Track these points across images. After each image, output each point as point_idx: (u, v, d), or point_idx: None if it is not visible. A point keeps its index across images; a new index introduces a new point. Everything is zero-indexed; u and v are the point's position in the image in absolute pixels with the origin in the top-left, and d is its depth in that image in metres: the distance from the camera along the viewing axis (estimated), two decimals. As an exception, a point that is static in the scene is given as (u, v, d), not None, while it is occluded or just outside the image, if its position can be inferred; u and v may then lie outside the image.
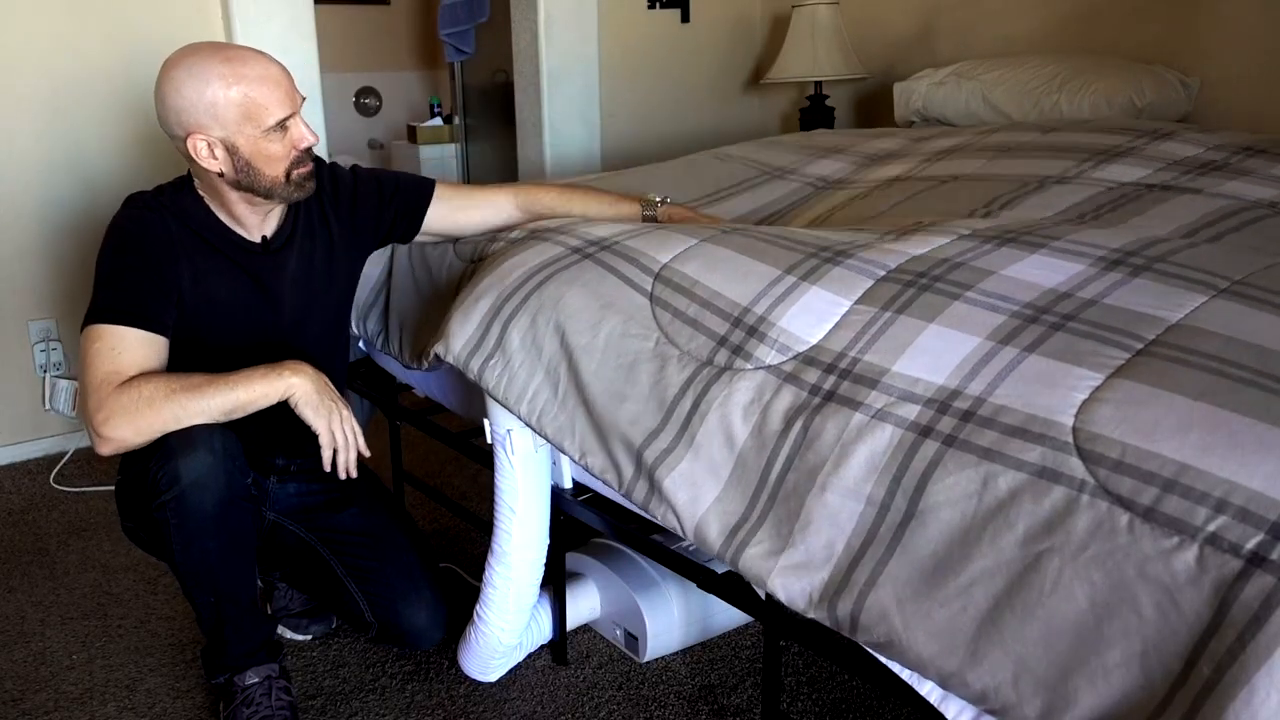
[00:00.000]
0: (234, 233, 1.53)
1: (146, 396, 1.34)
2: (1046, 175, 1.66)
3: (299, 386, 1.41)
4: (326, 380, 1.45)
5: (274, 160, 1.43)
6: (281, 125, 1.43)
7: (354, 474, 1.47)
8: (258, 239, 1.55)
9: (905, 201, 1.68)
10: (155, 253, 1.45)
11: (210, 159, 1.42)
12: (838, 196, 1.82)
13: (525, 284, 1.41)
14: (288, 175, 1.46)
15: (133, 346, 1.39)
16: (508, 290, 1.41)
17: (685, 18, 3.62)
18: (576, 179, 2.09)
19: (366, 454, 1.49)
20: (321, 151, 2.27)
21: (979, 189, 1.67)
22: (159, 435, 1.36)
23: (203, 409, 1.36)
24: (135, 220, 1.47)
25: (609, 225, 1.51)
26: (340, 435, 1.44)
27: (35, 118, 2.54)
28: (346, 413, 1.46)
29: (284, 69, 1.45)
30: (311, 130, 1.47)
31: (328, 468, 1.45)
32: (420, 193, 1.69)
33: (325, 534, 1.66)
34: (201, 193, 1.51)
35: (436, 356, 1.44)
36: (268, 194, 1.47)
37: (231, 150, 1.42)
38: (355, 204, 1.64)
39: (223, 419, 1.38)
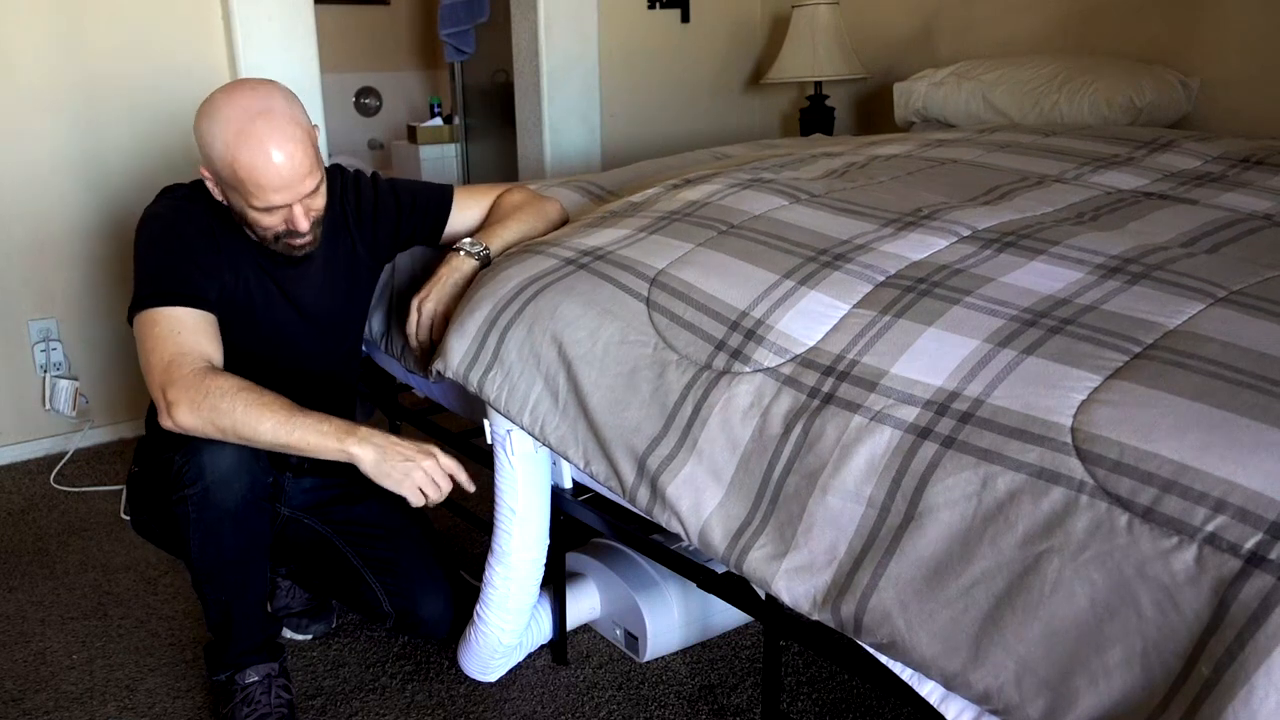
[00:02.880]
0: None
1: (217, 391, 1.33)
2: (1046, 174, 1.66)
3: (363, 459, 1.37)
4: (392, 443, 1.39)
5: (264, 227, 1.44)
6: (270, 209, 1.41)
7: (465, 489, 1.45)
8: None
9: (905, 178, 1.67)
10: (197, 240, 1.47)
11: (214, 189, 1.46)
12: (836, 162, 1.82)
13: (520, 294, 1.41)
14: (275, 240, 1.46)
15: (189, 326, 1.40)
16: (502, 301, 1.42)
17: (685, 18, 3.62)
18: (576, 177, 2.09)
19: (470, 488, 1.45)
20: (321, 150, 2.26)
21: (978, 176, 1.67)
22: (213, 434, 1.35)
23: (259, 430, 1.34)
24: (174, 209, 1.49)
25: (601, 235, 1.51)
26: (431, 490, 1.39)
27: (35, 118, 2.54)
28: (429, 463, 1.39)
29: (298, 157, 1.37)
30: (309, 214, 1.43)
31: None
32: (440, 202, 1.70)
33: (341, 526, 1.67)
34: None
35: (438, 372, 1.45)
36: (260, 241, 1.49)
37: (226, 198, 1.45)
38: (376, 216, 1.66)
39: (271, 448, 1.36)
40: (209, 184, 1.45)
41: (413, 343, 1.58)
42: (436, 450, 1.41)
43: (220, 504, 1.38)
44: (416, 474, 1.38)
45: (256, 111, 1.35)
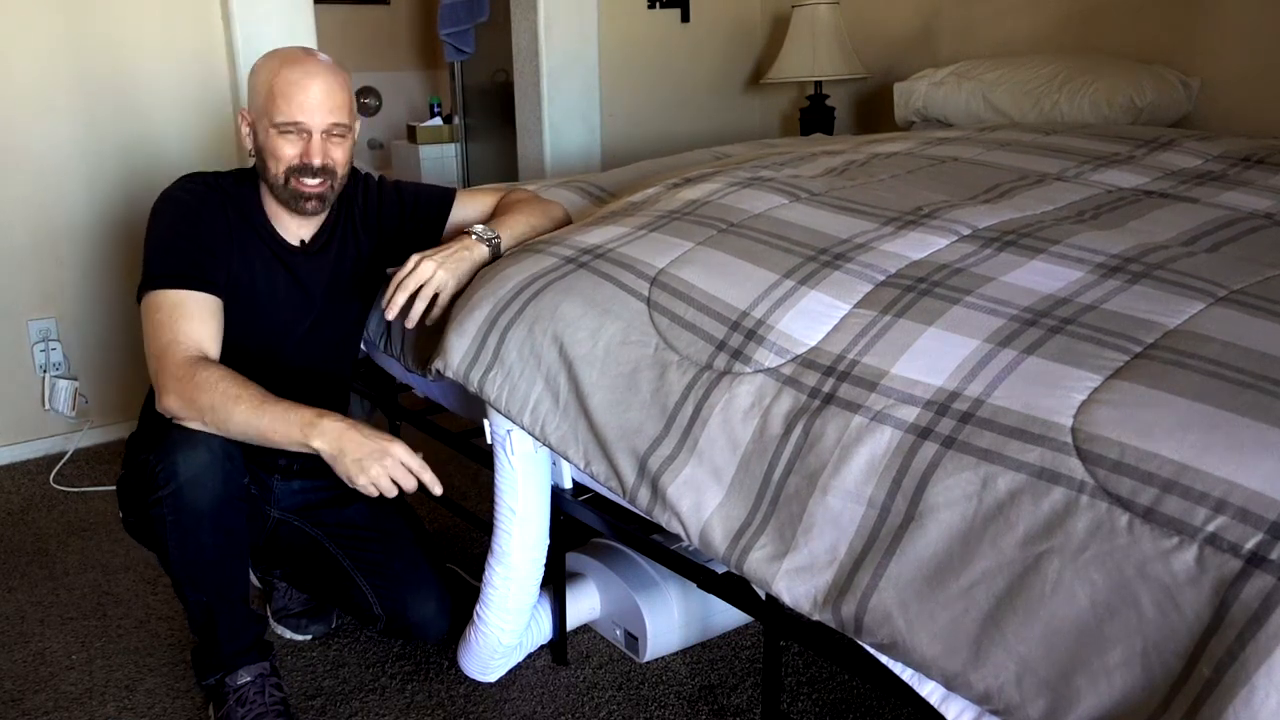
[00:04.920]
0: (277, 232, 1.57)
1: (202, 379, 1.38)
2: (1046, 172, 1.66)
3: (321, 451, 1.36)
4: (352, 440, 1.35)
5: (278, 158, 1.48)
6: (295, 131, 1.46)
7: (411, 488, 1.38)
8: (296, 242, 1.59)
9: (905, 176, 1.67)
10: (209, 226, 1.50)
11: (246, 135, 1.53)
12: (836, 160, 1.82)
13: (520, 294, 1.41)
14: (285, 179, 1.49)
15: (189, 312, 1.44)
16: (503, 301, 1.42)
17: (685, 18, 3.62)
18: (575, 178, 2.09)
19: (436, 490, 1.39)
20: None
21: (979, 174, 1.67)
22: (195, 421, 1.39)
23: (232, 418, 1.36)
24: (191, 193, 1.53)
25: (601, 233, 1.51)
26: (388, 487, 1.36)
27: (34, 118, 2.54)
28: (388, 461, 1.36)
29: (333, 91, 1.47)
30: (326, 155, 1.48)
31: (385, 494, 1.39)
32: (441, 203, 1.72)
33: (332, 529, 1.67)
34: (261, 188, 1.57)
35: (438, 371, 1.45)
36: (272, 189, 1.52)
37: (253, 133, 1.51)
38: (381, 215, 1.68)
39: (243, 438, 1.38)
40: (243, 128, 1.53)
41: (393, 298, 1.50)
42: (397, 448, 1.36)
43: (194, 504, 1.39)
44: (372, 470, 1.35)
45: (308, 54, 1.49)
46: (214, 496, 1.39)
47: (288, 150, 1.47)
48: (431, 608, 1.62)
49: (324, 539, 1.67)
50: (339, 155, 1.51)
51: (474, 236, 1.57)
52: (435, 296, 1.52)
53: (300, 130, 1.46)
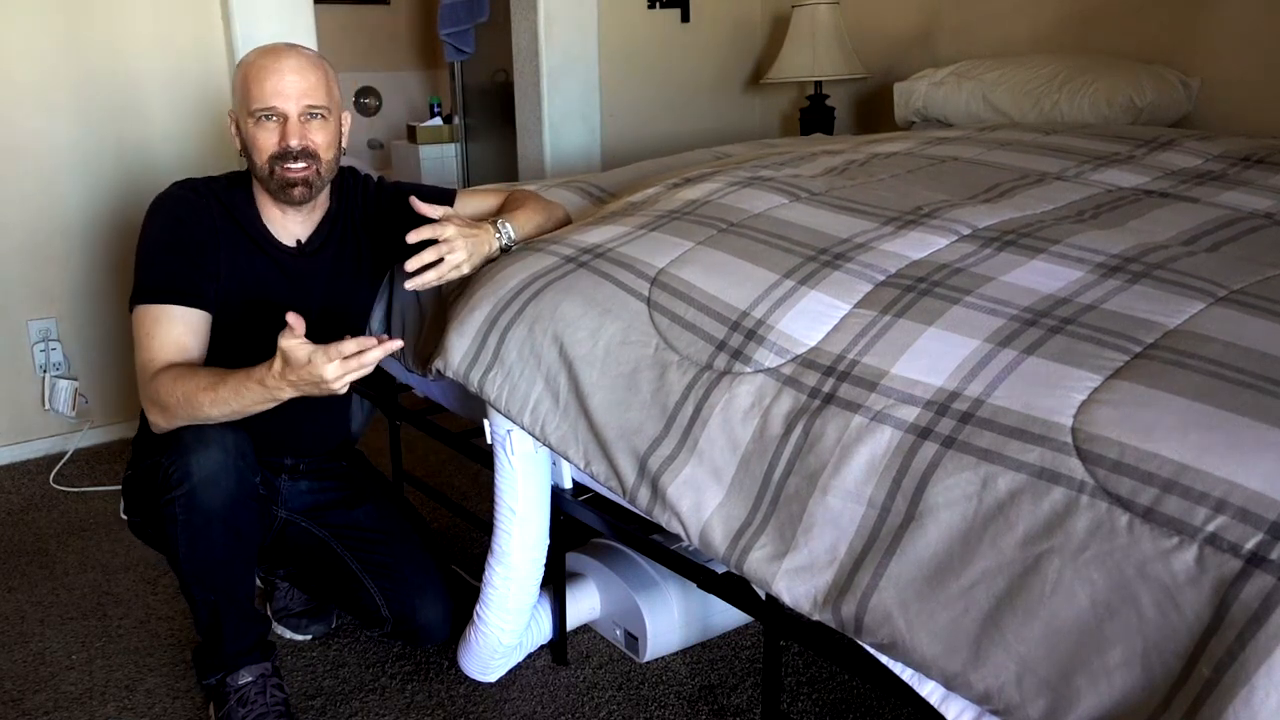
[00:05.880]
0: (271, 234, 1.56)
1: (166, 391, 1.39)
2: (1046, 171, 1.66)
3: (292, 395, 1.33)
4: (299, 379, 1.29)
5: (260, 148, 1.47)
6: (271, 117, 1.45)
7: (377, 356, 1.28)
8: (292, 244, 1.58)
9: (905, 175, 1.67)
10: (196, 234, 1.50)
11: (234, 136, 1.52)
12: (836, 159, 1.82)
13: (520, 294, 1.41)
14: (270, 169, 1.48)
15: (168, 328, 1.44)
16: (503, 300, 1.42)
17: (685, 18, 3.62)
18: (575, 178, 2.09)
19: (392, 346, 1.29)
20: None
21: (979, 174, 1.67)
22: (183, 423, 1.40)
23: (204, 411, 1.38)
24: (178, 200, 1.52)
25: (601, 233, 1.51)
26: (353, 377, 1.29)
27: (33, 117, 2.54)
28: (333, 383, 1.28)
29: (306, 73, 1.45)
30: (304, 137, 1.46)
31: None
32: (441, 201, 1.70)
33: (339, 530, 1.67)
34: (254, 189, 1.56)
35: (438, 371, 1.45)
36: (262, 184, 1.52)
37: (239, 129, 1.50)
38: (382, 216, 1.67)
39: (224, 420, 1.40)
40: (231, 129, 1.52)
41: (418, 272, 1.45)
42: (325, 371, 1.26)
43: (207, 504, 1.39)
44: (327, 387, 1.29)
45: (283, 45, 1.49)
46: (227, 496, 1.40)
47: (267, 139, 1.46)
48: (439, 611, 1.62)
49: (331, 540, 1.67)
50: (319, 138, 1.48)
51: (495, 233, 1.55)
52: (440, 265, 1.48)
53: (276, 115, 1.45)
